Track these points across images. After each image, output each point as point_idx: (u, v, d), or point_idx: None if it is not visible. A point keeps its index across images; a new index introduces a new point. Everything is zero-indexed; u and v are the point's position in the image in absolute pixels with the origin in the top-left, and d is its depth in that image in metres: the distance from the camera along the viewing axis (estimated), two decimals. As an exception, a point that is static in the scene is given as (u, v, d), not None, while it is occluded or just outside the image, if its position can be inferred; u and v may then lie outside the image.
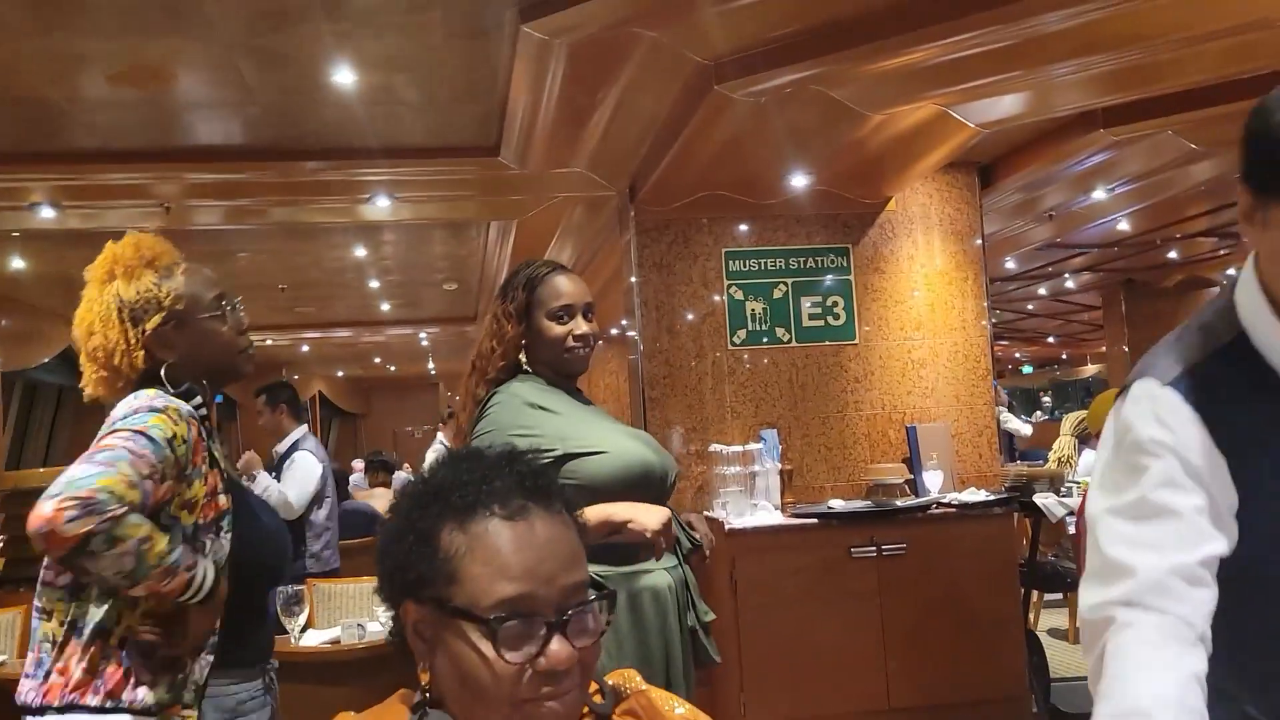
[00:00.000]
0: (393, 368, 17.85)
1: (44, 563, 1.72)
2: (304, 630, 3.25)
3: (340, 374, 18.42)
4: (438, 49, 3.84)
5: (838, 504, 4.72)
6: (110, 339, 1.77)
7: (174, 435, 1.69)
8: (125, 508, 1.54)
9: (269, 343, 12.25)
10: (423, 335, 12.94)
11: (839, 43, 3.52)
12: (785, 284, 5.32)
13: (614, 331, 9.50)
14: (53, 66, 3.86)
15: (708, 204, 5.12)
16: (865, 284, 5.36)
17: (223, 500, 1.80)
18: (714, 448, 4.94)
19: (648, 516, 1.96)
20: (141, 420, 1.66)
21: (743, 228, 5.30)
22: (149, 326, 1.78)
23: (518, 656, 0.93)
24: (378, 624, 3.33)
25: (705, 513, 4.81)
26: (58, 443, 10.16)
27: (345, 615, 3.71)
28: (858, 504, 4.73)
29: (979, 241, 5.49)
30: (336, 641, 3.27)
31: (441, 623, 0.96)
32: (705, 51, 3.69)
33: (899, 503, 4.70)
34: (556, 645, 0.94)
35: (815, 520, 4.52)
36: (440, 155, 5.10)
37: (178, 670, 1.71)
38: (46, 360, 8.70)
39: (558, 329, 2.17)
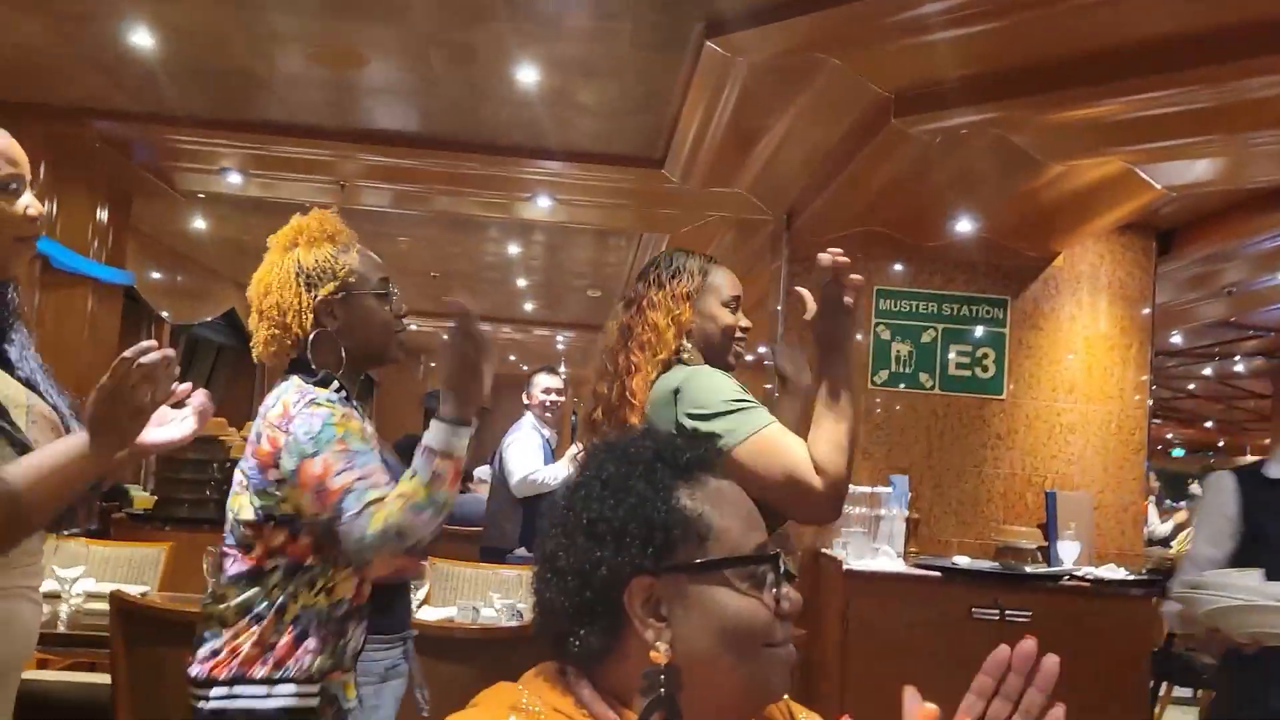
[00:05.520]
0: (525, 367, 18.16)
1: (221, 557, 1.78)
2: (419, 606, 3.32)
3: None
4: (621, 57, 3.91)
5: (964, 561, 4.55)
6: (285, 299, 1.87)
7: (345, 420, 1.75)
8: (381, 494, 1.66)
9: (413, 327, 12.63)
10: (559, 338, 13.13)
11: (1025, 87, 3.42)
12: (935, 329, 5.19)
13: (749, 359, 9.44)
14: (259, 41, 4.08)
15: (864, 239, 5.03)
16: (1020, 339, 5.17)
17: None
18: (841, 485, 4.83)
19: None
20: (329, 434, 1.72)
21: (897, 267, 5.19)
22: (321, 293, 1.87)
23: (772, 601, 0.96)
24: (491, 609, 3.38)
25: (824, 549, 4.72)
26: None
27: (460, 597, 3.78)
28: (985, 564, 4.55)
29: (1148, 310, 5.24)
30: (450, 620, 3.33)
31: (689, 585, 0.94)
32: (886, 83, 3.64)
33: (1029, 569, 4.50)
34: (788, 589, 0.98)
35: (939, 573, 4.37)
36: (606, 162, 5.18)
37: (341, 636, 1.76)
38: (210, 319, 9.20)
39: (730, 318, 2.10)
